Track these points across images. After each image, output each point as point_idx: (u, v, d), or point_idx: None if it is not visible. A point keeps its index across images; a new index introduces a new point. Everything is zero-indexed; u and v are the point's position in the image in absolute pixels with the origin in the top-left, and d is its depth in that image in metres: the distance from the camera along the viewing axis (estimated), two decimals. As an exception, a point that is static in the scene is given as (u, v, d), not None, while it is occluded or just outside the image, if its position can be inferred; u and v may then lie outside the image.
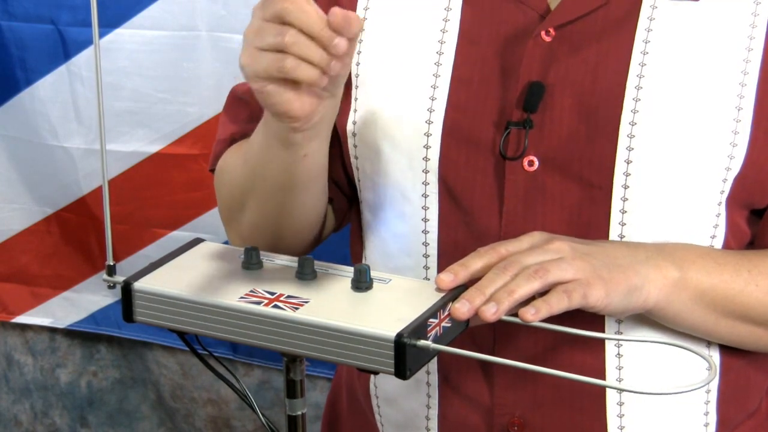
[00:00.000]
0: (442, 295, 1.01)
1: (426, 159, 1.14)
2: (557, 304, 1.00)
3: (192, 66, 2.06)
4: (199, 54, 2.05)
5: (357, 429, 1.31)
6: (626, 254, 1.07)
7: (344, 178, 1.25)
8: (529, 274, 1.01)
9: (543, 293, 1.01)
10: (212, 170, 1.31)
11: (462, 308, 0.99)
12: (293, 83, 1.02)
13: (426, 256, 1.17)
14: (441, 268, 1.15)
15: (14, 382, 2.48)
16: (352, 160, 1.20)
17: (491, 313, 0.98)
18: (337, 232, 1.31)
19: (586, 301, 1.02)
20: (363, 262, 1.23)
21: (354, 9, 1.19)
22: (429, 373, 1.20)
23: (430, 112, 1.14)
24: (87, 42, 2.09)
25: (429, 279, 1.17)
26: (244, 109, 1.29)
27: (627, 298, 1.05)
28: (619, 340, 1.14)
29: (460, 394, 1.19)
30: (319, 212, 1.22)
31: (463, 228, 1.15)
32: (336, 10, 0.97)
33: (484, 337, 1.15)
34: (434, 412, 1.21)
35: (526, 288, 1.00)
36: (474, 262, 1.04)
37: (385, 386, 1.24)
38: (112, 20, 2.05)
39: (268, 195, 1.18)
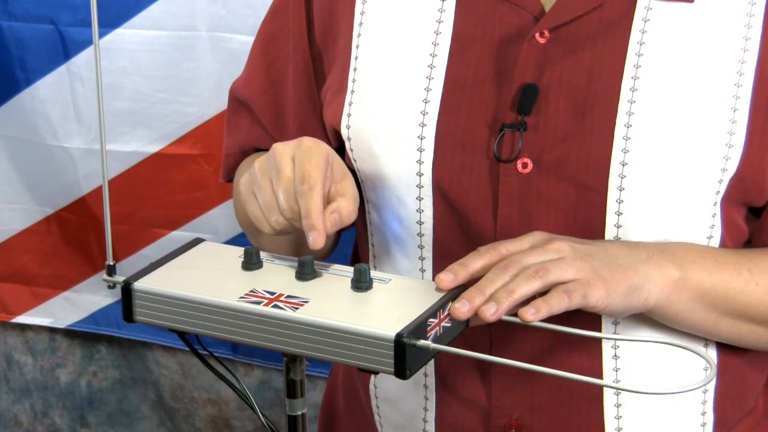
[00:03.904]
0: (442, 295, 1.01)
1: (420, 162, 1.14)
2: (557, 304, 1.00)
3: (192, 66, 2.06)
4: (199, 54, 2.05)
5: (354, 428, 1.31)
6: (627, 254, 1.07)
7: None
8: (529, 274, 1.01)
9: (543, 293, 1.01)
10: (227, 181, 1.33)
11: (462, 308, 0.99)
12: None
13: (422, 258, 1.17)
14: (436, 270, 1.15)
15: (14, 382, 2.48)
16: (352, 162, 1.20)
17: (491, 313, 0.98)
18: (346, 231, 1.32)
19: (586, 301, 1.02)
20: (370, 261, 1.23)
21: (351, 12, 1.19)
22: (426, 375, 1.20)
23: (424, 114, 1.14)
24: (87, 42, 2.09)
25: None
26: (245, 115, 1.29)
27: (627, 297, 1.05)
28: (617, 339, 1.14)
29: (457, 396, 1.19)
30: (335, 236, 1.25)
31: (458, 230, 1.15)
32: (330, 221, 1.03)
33: (480, 339, 1.15)
34: (431, 414, 1.21)
35: (526, 288, 1.00)
36: (474, 262, 1.04)
37: (384, 386, 1.24)
38: (112, 20, 2.05)
39: (279, 241, 1.20)
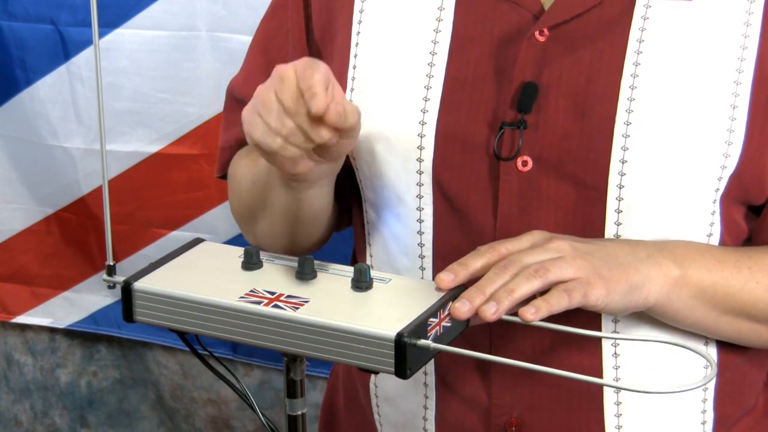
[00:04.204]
0: (442, 294, 1.01)
1: (420, 160, 1.14)
2: (557, 303, 1.00)
3: (192, 66, 2.06)
4: (199, 54, 2.05)
5: (355, 428, 1.31)
6: (627, 252, 1.07)
7: (345, 182, 1.26)
8: (529, 273, 1.01)
9: (543, 292, 1.01)
10: (220, 177, 1.33)
11: (462, 308, 0.99)
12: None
13: (422, 257, 1.17)
14: (436, 268, 1.15)
15: (14, 382, 2.48)
16: (351, 160, 1.20)
17: (491, 312, 0.98)
18: (341, 231, 1.32)
19: (586, 300, 1.02)
20: (368, 261, 1.23)
21: (350, 10, 1.19)
22: (426, 374, 1.20)
23: (424, 113, 1.14)
24: (87, 42, 2.09)
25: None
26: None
27: (627, 296, 1.05)
28: (617, 339, 1.14)
29: (457, 394, 1.19)
30: (325, 227, 1.24)
31: (458, 229, 1.15)
32: (333, 107, 0.99)
33: (480, 338, 1.15)
34: (431, 413, 1.21)
35: (526, 287, 1.00)
36: (474, 262, 1.04)
37: (384, 385, 1.24)
38: (112, 20, 2.05)
39: (276, 218, 1.21)
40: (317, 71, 1.00)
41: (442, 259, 1.15)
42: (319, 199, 1.17)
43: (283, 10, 1.26)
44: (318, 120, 1.00)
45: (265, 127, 1.03)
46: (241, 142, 1.30)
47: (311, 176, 1.10)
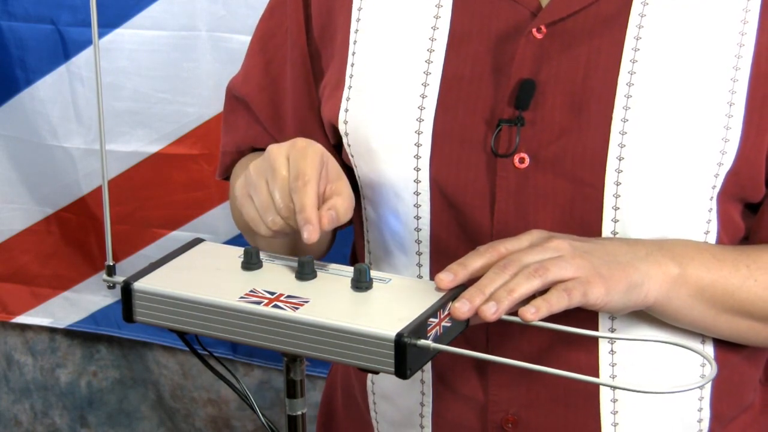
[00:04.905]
0: (442, 294, 1.01)
1: (417, 157, 1.14)
2: (557, 302, 1.00)
3: (192, 66, 2.06)
4: (199, 54, 2.05)
5: (352, 426, 1.32)
6: (626, 251, 1.07)
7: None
8: (528, 272, 1.01)
9: (542, 292, 1.01)
10: (223, 179, 1.33)
11: (462, 308, 0.99)
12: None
13: (419, 253, 1.17)
14: (433, 265, 1.16)
15: (14, 382, 2.48)
16: (350, 158, 1.20)
17: (491, 312, 0.98)
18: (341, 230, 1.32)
19: (586, 300, 1.02)
20: (366, 258, 1.23)
21: (349, 8, 1.19)
22: (423, 371, 1.20)
23: (421, 110, 1.14)
24: (87, 42, 2.09)
25: (423, 277, 1.17)
26: (243, 113, 1.29)
27: (627, 295, 1.05)
28: (617, 339, 1.14)
29: (454, 392, 1.19)
30: (331, 236, 1.25)
31: (455, 226, 1.15)
32: (326, 217, 1.03)
33: (477, 336, 1.15)
34: (428, 410, 1.21)
35: (525, 287, 1.00)
36: (473, 261, 1.04)
37: (381, 383, 1.24)
38: (112, 20, 2.05)
39: (273, 242, 1.20)
40: (311, 165, 1.03)
41: (439, 256, 1.15)
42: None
43: (282, 9, 1.26)
44: None
45: (256, 213, 1.06)
46: (241, 148, 1.30)
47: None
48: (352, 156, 1.19)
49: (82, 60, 2.11)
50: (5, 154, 2.24)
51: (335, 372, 1.37)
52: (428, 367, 1.20)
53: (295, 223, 1.03)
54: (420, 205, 1.16)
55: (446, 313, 1.00)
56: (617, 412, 1.16)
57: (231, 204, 1.31)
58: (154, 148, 2.14)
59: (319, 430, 1.39)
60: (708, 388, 1.18)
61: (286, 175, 1.03)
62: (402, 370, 0.94)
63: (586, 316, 1.10)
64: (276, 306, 0.98)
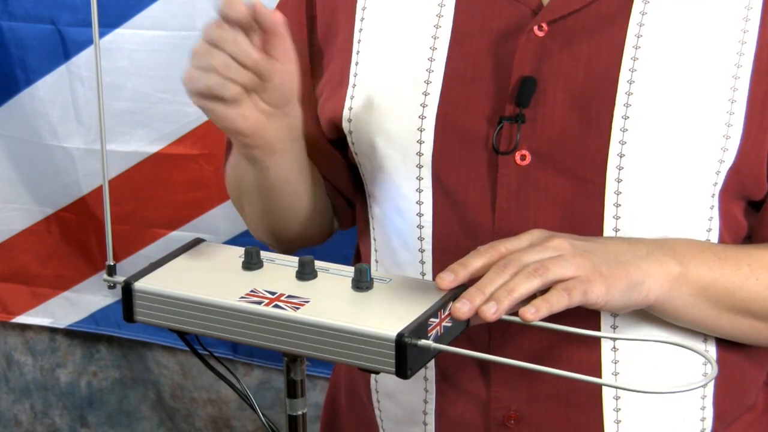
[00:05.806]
0: (443, 294, 1.01)
1: (419, 154, 1.14)
2: (557, 302, 1.00)
3: (192, 66, 2.05)
4: (198, 54, 2.04)
5: (356, 425, 1.32)
6: (626, 250, 1.07)
7: (347, 180, 1.26)
8: (528, 272, 1.01)
9: (543, 291, 1.01)
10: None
11: (462, 308, 0.99)
12: (233, 101, 1.08)
13: (421, 250, 1.17)
14: (436, 262, 1.16)
15: (14, 382, 2.48)
16: (353, 155, 1.20)
17: (491, 312, 0.98)
18: (345, 230, 1.33)
19: (586, 299, 1.02)
20: (372, 257, 1.24)
21: (353, 6, 1.19)
22: (426, 368, 1.20)
23: (423, 107, 1.14)
24: (87, 42, 2.09)
25: (425, 274, 1.17)
26: None
27: (628, 294, 1.05)
28: (617, 339, 1.14)
29: (457, 389, 1.20)
30: (305, 213, 1.26)
31: (457, 222, 1.15)
32: (258, 6, 1.07)
33: (479, 334, 1.15)
34: (431, 407, 1.21)
35: (526, 287, 1.00)
36: (474, 261, 1.04)
37: (384, 381, 1.24)
38: (112, 20, 2.05)
39: (252, 199, 1.24)
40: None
41: (441, 253, 1.15)
42: (286, 169, 1.19)
43: (283, 9, 1.26)
44: (245, 43, 1.06)
45: (198, 72, 1.07)
46: None
47: (266, 137, 1.12)
48: (356, 154, 1.20)
49: (82, 60, 2.11)
50: (5, 154, 2.24)
51: (339, 371, 1.37)
52: (431, 364, 1.20)
53: (235, 49, 1.06)
54: (422, 202, 1.16)
55: (447, 313, 1.00)
56: (620, 409, 1.16)
57: (228, 186, 1.32)
58: (154, 148, 2.14)
59: (323, 430, 1.39)
60: (711, 387, 1.18)
61: (213, 21, 1.08)
62: (402, 370, 0.94)
63: (588, 314, 1.10)
64: (276, 306, 0.98)
